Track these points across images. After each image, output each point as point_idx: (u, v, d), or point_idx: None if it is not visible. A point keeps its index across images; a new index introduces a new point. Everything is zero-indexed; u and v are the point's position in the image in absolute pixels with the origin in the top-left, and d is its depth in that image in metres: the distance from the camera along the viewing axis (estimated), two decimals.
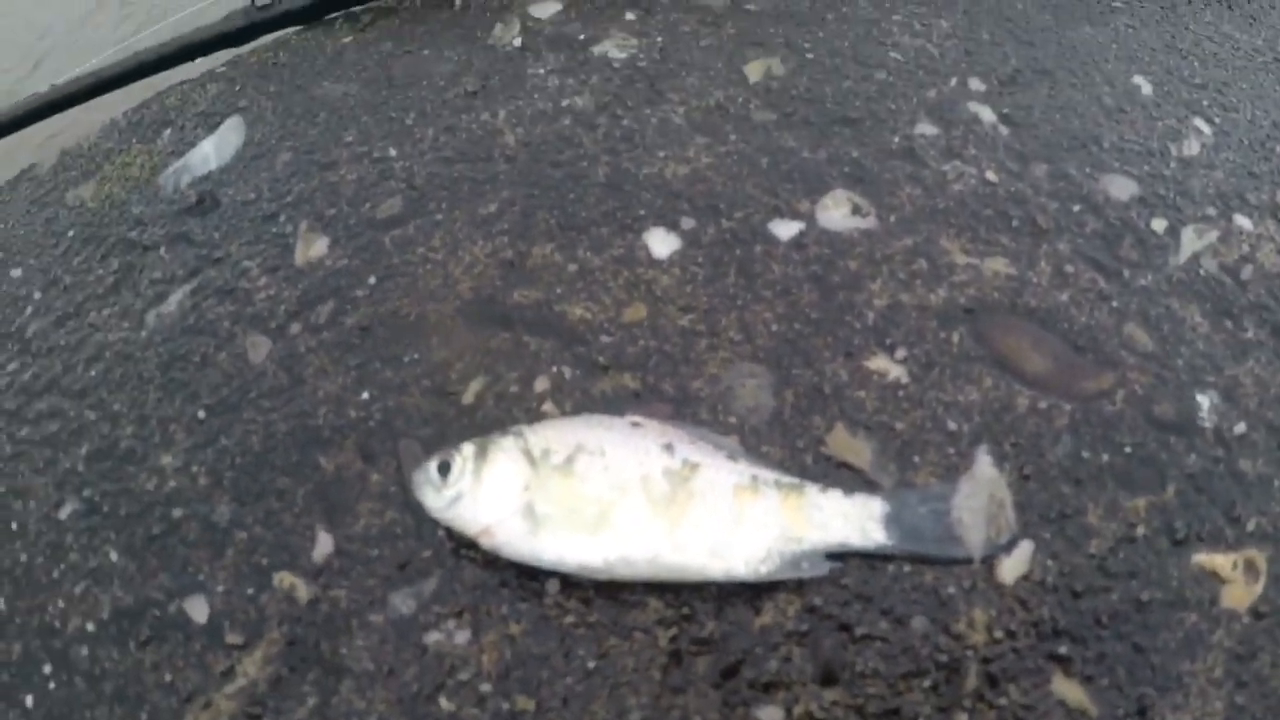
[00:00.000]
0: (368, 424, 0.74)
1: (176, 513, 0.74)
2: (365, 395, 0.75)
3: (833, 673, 0.62)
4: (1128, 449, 0.69)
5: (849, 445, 0.69)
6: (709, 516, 0.64)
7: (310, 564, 0.69)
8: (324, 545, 0.70)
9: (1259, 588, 0.67)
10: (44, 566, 0.76)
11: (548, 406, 0.72)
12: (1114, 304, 0.74)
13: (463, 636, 0.65)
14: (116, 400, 0.81)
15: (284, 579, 0.70)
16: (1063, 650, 0.64)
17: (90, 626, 0.73)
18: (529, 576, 0.66)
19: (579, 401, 0.72)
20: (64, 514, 0.78)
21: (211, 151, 0.97)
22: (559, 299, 0.77)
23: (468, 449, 0.67)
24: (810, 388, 0.70)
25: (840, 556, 0.64)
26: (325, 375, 0.77)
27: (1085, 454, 0.69)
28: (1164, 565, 0.66)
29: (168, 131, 1.02)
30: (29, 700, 0.72)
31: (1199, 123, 0.87)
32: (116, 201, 0.98)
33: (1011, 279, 0.75)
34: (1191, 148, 0.85)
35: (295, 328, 0.79)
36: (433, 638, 0.66)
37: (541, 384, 0.73)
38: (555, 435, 0.67)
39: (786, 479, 0.66)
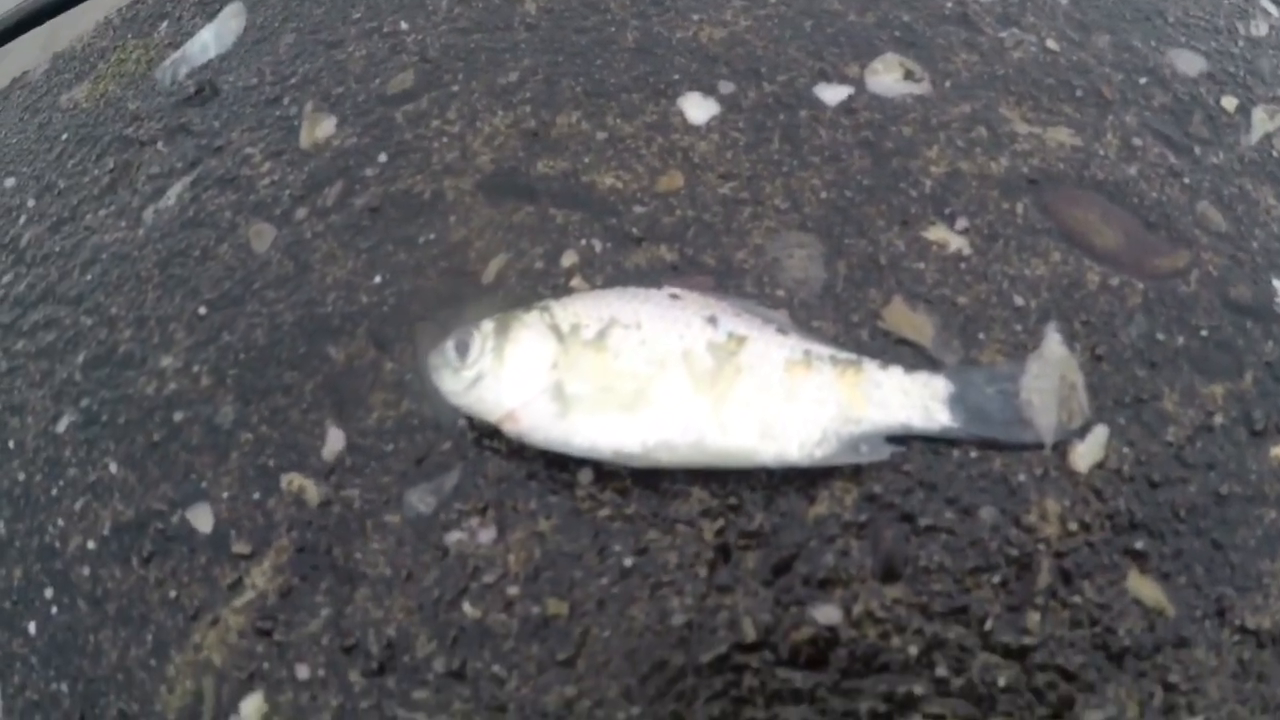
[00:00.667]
0: (380, 309, 0.63)
1: (178, 416, 0.64)
2: (377, 279, 0.65)
3: (894, 568, 0.53)
4: (1204, 332, 0.59)
5: (909, 320, 0.60)
6: (758, 394, 0.54)
7: (320, 463, 0.60)
8: (334, 442, 0.60)
9: None
10: (42, 484, 0.67)
11: (576, 282, 0.61)
12: (1186, 180, 0.64)
13: (487, 535, 0.56)
14: (114, 303, 0.71)
15: (292, 481, 0.60)
16: (1139, 545, 0.55)
17: (91, 544, 0.64)
18: (559, 467, 0.56)
19: (610, 276, 0.61)
20: (61, 427, 0.68)
21: (211, 40, 0.86)
22: (587, 169, 0.65)
23: (488, 326, 0.57)
24: (864, 258, 0.60)
25: (901, 440, 0.55)
26: (334, 260, 0.66)
27: (1160, 336, 0.60)
28: (1242, 457, 0.57)
29: (164, 24, 0.91)
30: (31, 627, 0.65)
31: (1267, 3, 0.79)
32: (112, 100, 0.87)
33: (1077, 150, 0.64)
34: (1260, 28, 0.75)
35: (301, 213, 0.69)
36: (454, 538, 0.56)
37: (569, 258, 0.63)
38: (585, 309, 0.57)
39: (842, 354, 0.56)
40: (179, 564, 0.61)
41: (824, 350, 0.57)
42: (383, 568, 0.56)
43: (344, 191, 0.70)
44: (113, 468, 0.65)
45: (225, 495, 0.62)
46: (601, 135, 0.67)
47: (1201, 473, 0.57)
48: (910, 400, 0.56)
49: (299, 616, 0.58)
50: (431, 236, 0.66)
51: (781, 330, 0.57)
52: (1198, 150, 0.67)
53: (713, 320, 0.56)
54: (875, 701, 0.53)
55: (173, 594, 0.61)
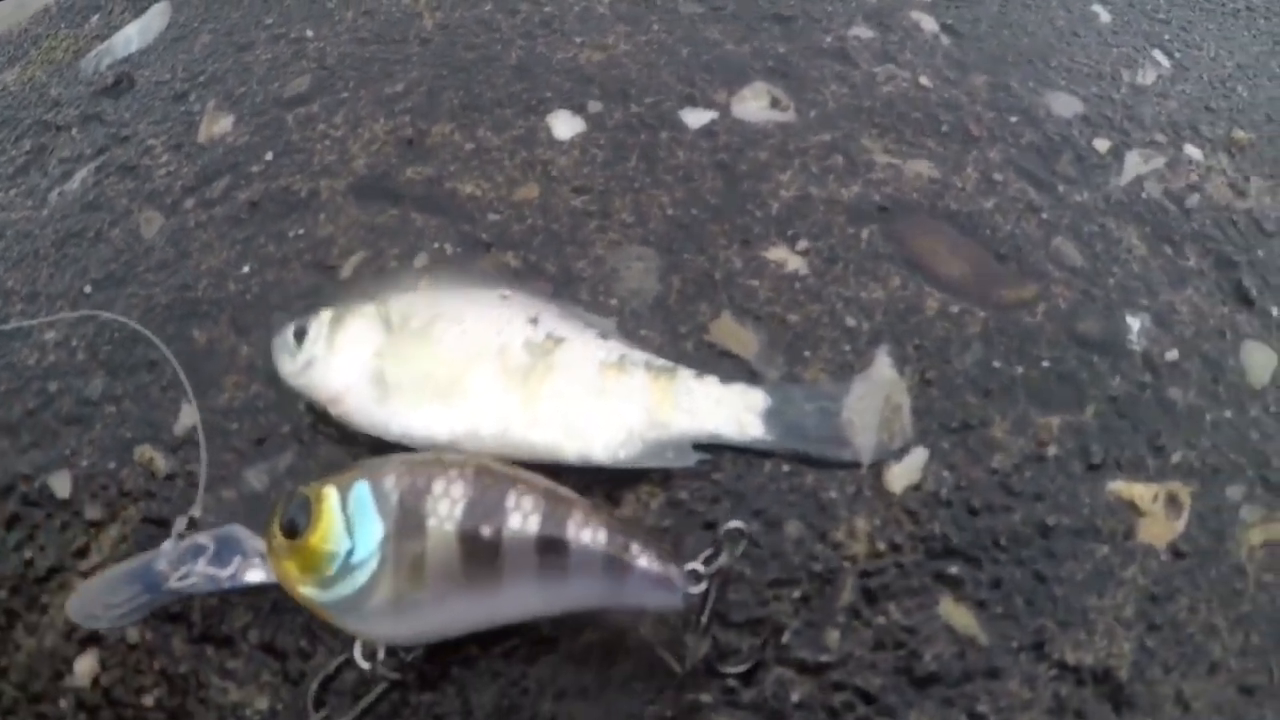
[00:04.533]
0: (244, 297, 0.68)
1: (52, 387, 0.68)
2: (246, 269, 0.69)
3: (695, 574, 0.56)
4: (1045, 363, 0.61)
5: (734, 334, 0.61)
6: (567, 391, 0.57)
7: (171, 437, 0.64)
8: (186, 418, 0.64)
9: (1180, 524, 0.59)
10: None
11: (424, 282, 0.65)
12: (1044, 215, 0.66)
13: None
14: (11, 277, 0.76)
15: (144, 452, 0.63)
16: (953, 570, 0.55)
17: None
18: (382, 452, 0.58)
19: (457, 279, 0.65)
20: None
21: (135, 34, 0.93)
22: (451, 176, 0.69)
23: (326, 314, 0.61)
24: (700, 274, 0.62)
25: (714, 449, 0.57)
26: (210, 250, 0.71)
27: (997, 364, 0.61)
28: (1075, 490, 0.57)
29: (95, 16, 0.98)
30: None
31: (1157, 54, 0.79)
32: (37, 85, 0.93)
33: (934, 181, 0.67)
34: (1147, 76, 0.78)
35: (189, 203, 0.74)
36: None
37: (421, 259, 0.66)
38: (419, 304, 0.60)
39: (659, 361, 0.58)
40: (36, 526, 0.64)
41: (641, 356, 0.58)
42: (195, 509, 0.59)
43: (230, 185, 0.75)
44: None
45: (84, 463, 0.65)
46: (470, 146, 0.71)
47: (1028, 502, 0.57)
48: (722, 410, 0.57)
49: None
50: (301, 232, 0.70)
51: (603, 335, 0.59)
52: (1061, 188, 0.68)
53: (535, 320, 0.59)
54: (663, 706, 0.52)
55: (28, 555, 0.64)
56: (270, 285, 0.68)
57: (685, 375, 0.58)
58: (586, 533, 0.50)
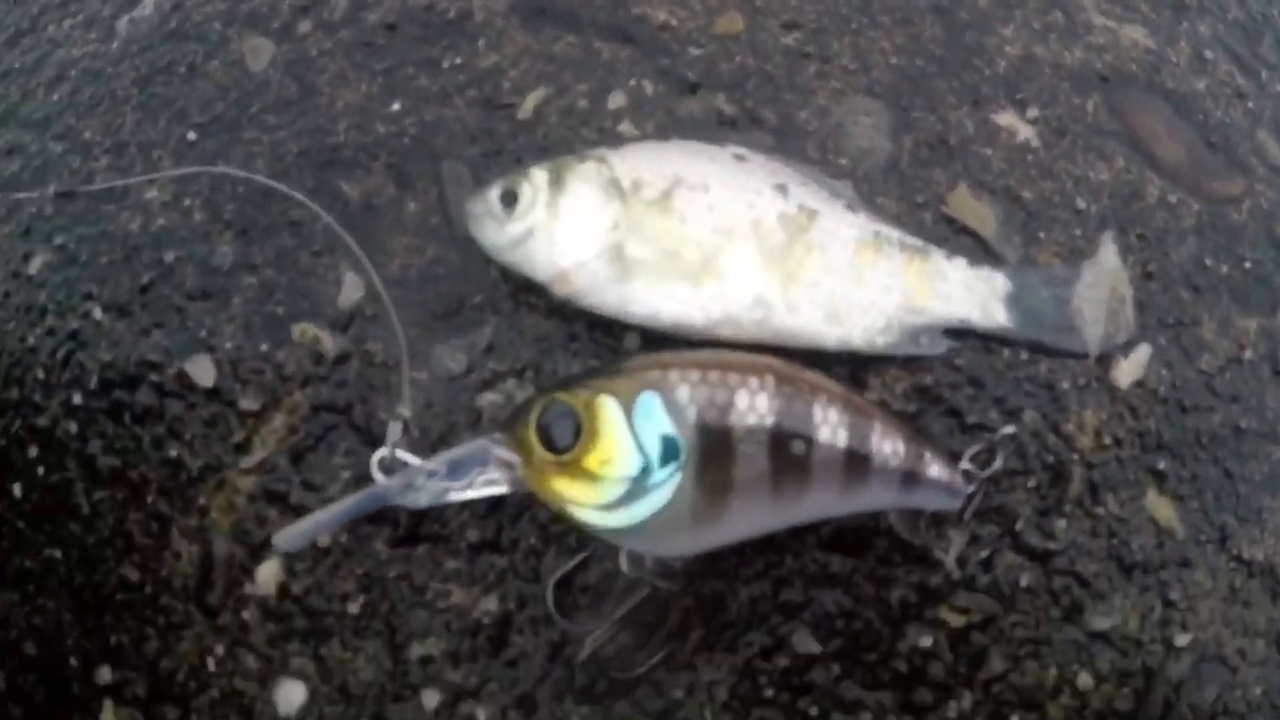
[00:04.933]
0: (400, 141, 0.57)
1: (169, 256, 0.57)
2: (396, 106, 0.58)
3: (968, 474, 0.52)
4: (1247, 264, 0.61)
5: (973, 209, 0.58)
6: (828, 275, 0.52)
7: (336, 312, 0.55)
8: (352, 289, 0.55)
9: None
10: (16, 332, 0.59)
11: (624, 127, 0.57)
12: (1250, 104, 0.64)
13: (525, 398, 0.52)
14: (87, 127, 0.62)
15: (305, 331, 0.55)
16: (1162, 465, 0.57)
17: (77, 398, 0.57)
18: (603, 329, 0.53)
19: (662, 123, 0.57)
20: (34, 268, 0.60)
21: None
22: (639, 0, 0.60)
23: (540, 176, 0.52)
24: (933, 135, 0.57)
25: (957, 334, 0.54)
26: (344, 83, 0.59)
27: (1208, 261, 0.60)
28: (1264, 393, 0.59)
29: None
30: (17, 489, 0.59)
31: None
32: None
33: (1149, 52, 0.63)
34: None
35: (304, 26, 0.61)
36: (488, 400, 0.53)
37: (616, 99, 0.58)
38: (648, 164, 0.52)
39: (910, 239, 0.54)
40: (178, 421, 0.56)
41: (892, 233, 0.54)
42: (404, 409, 0.52)
43: (354, 4, 0.61)
44: (97, 314, 0.58)
45: (228, 345, 0.56)
46: None
47: (1226, 403, 0.59)
48: (972, 295, 0.54)
49: (317, 479, 0.54)
50: (458, 61, 0.59)
51: (850, 206, 0.54)
52: (1264, 74, 0.66)
53: (782, 189, 0.53)
54: (906, 590, 0.52)
55: (173, 453, 0.56)
56: (431, 126, 0.58)
57: (938, 257, 0.54)
58: (888, 445, 0.49)
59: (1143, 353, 0.57)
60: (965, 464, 0.51)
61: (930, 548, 0.52)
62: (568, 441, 0.46)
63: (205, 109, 0.60)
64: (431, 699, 0.53)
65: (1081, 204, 0.59)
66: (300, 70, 0.60)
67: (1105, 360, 0.56)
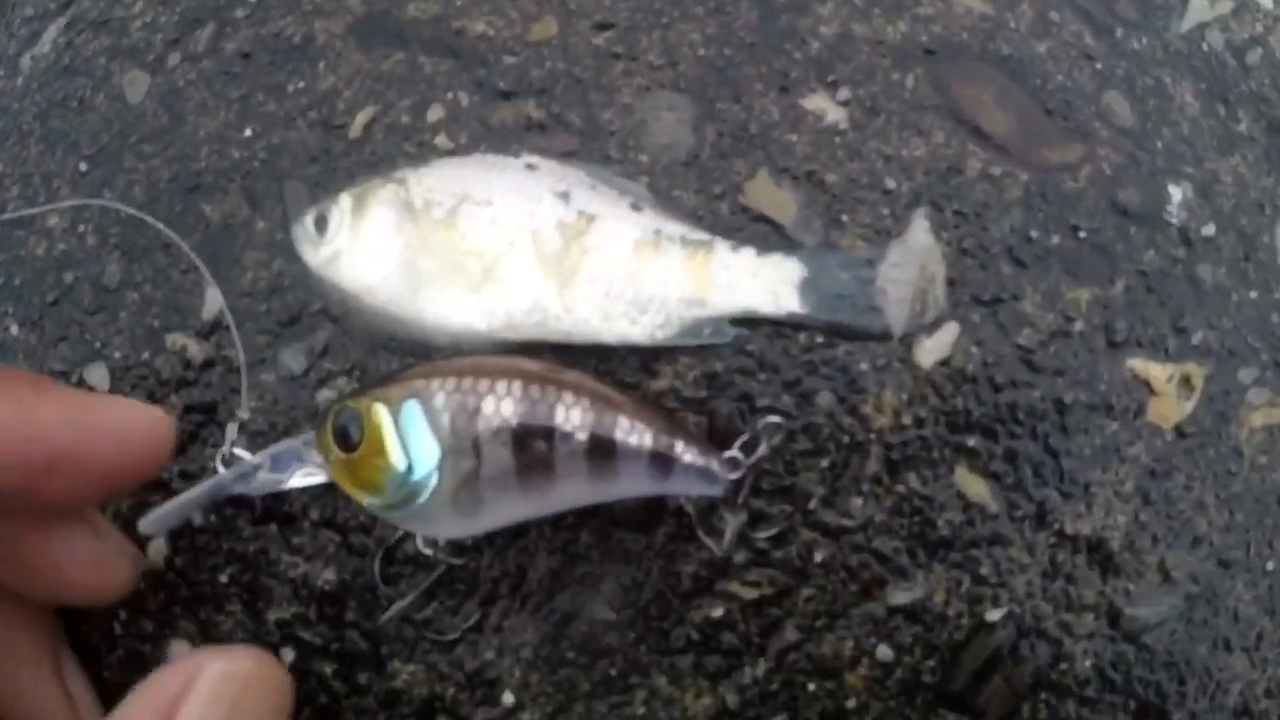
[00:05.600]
0: (252, 164, 0.63)
1: (68, 277, 0.65)
2: (248, 132, 0.64)
3: (726, 442, 0.55)
4: (1082, 233, 0.59)
5: (771, 196, 0.59)
6: (602, 275, 0.55)
7: (200, 323, 0.62)
8: (213, 302, 0.62)
9: (1190, 405, 0.60)
10: None
11: (441, 139, 0.61)
12: (1098, 65, 0.62)
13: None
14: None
15: (176, 341, 0.62)
16: (971, 443, 0.57)
17: None
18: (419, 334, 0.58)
19: (475, 133, 0.60)
20: None
21: None
22: (459, 13, 0.63)
23: (345, 201, 0.58)
24: (736, 125, 0.59)
25: (750, 323, 0.56)
26: (206, 111, 0.65)
27: (1034, 233, 0.60)
28: (1095, 366, 0.58)
29: None
30: None
31: None
32: None
33: (985, 19, 0.61)
34: None
35: (174, 59, 0.67)
36: (324, 396, 0.59)
37: (435, 112, 0.61)
38: (441, 183, 0.57)
39: (695, 234, 0.56)
40: None
41: (676, 230, 0.56)
42: (260, 424, 0.59)
43: (215, 34, 0.67)
44: (14, 329, 0.67)
45: (117, 355, 0.63)
46: None
47: (1048, 378, 0.58)
48: (759, 284, 0.56)
49: (191, 469, 0.61)
50: (301, 85, 0.64)
51: (636, 206, 0.57)
52: (1119, 31, 0.64)
53: (565, 195, 0.56)
54: (696, 565, 0.55)
55: None
56: (277, 149, 0.63)
57: (721, 249, 0.56)
58: (634, 436, 0.52)
59: (949, 331, 0.57)
60: (734, 452, 0.54)
61: (702, 536, 0.55)
62: (355, 442, 0.52)
63: (93, 140, 0.67)
64: (288, 655, 0.60)
65: (891, 183, 0.59)
66: (170, 101, 0.66)
67: (908, 340, 0.57)
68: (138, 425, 0.52)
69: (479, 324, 0.56)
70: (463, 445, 0.51)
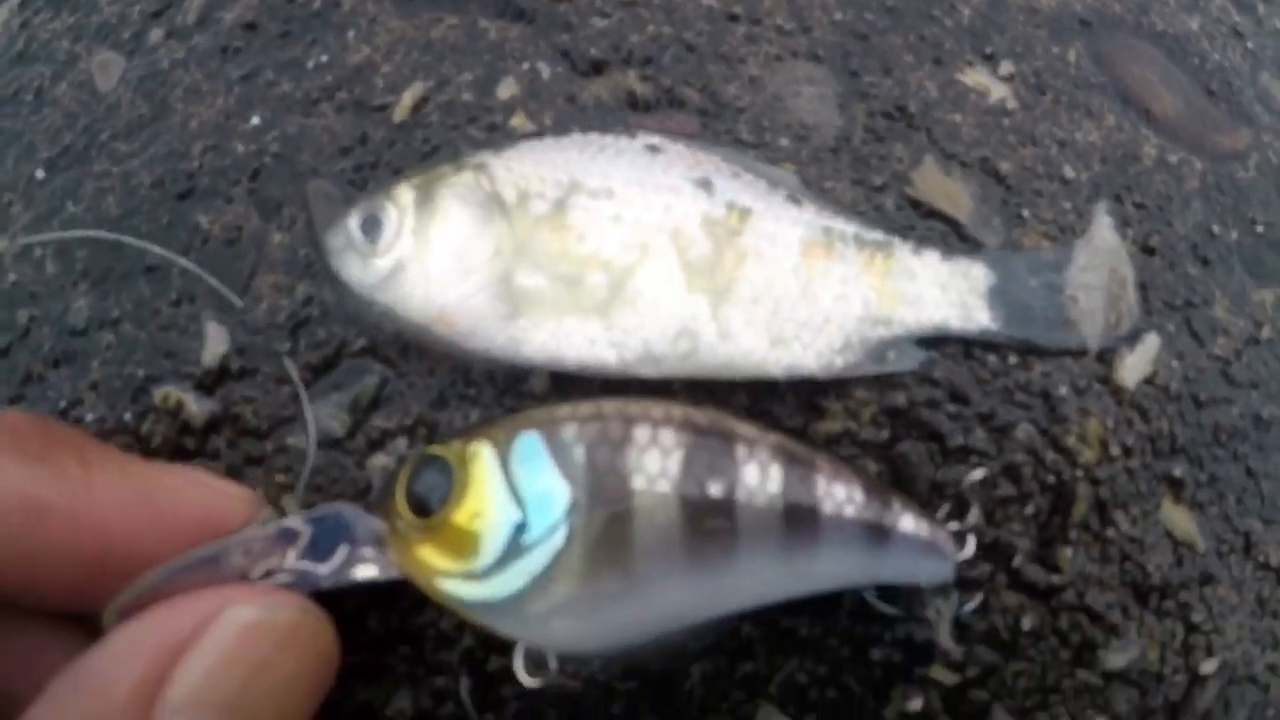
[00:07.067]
0: (261, 161, 0.48)
1: (22, 316, 0.49)
2: (255, 120, 0.49)
3: (919, 496, 0.44)
4: (1259, 227, 0.52)
5: (943, 188, 0.48)
6: (768, 288, 0.43)
7: (200, 370, 0.46)
8: (216, 342, 0.46)
9: None
10: None
11: (518, 120, 0.47)
12: (1249, 44, 0.56)
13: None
14: None
15: (167, 396, 0.46)
16: (1177, 471, 0.49)
17: None
18: (507, 373, 0.44)
19: (563, 112, 0.48)
20: None
21: None
22: None
23: (405, 195, 0.42)
24: (889, 103, 0.48)
25: (932, 343, 0.45)
26: (199, 97, 0.50)
27: (1215, 227, 0.52)
28: None
29: None
30: None
31: None
32: None
33: None
34: None
35: (155, 35, 0.52)
36: (378, 463, 0.44)
37: (507, 88, 0.48)
38: (537, 168, 0.43)
39: (870, 233, 0.45)
40: None
41: (847, 227, 0.44)
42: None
43: (208, 4, 0.52)
44: None
45: (90, 417, 0.47)
46: None
47: (1246, 391, 0.50)
48: (947, 295, 0.45)
49: None
50: (324, 59, 0.50)
51: (793, 198, 0.44)
52: (1261, 9, 0.57)
53: (706, 184, 0.43)
54: (887, 650, 0.44)
55: None
56: (295, 140, 0.48)
57: (904, 252, 0.45)
58: (839, 490, 0.39)
59: (1150, 344, 0.48)
60: (940, 515, 0.42)
61: (915, 618, 0.44)
62: (439, 499, 0.37)
63: (53, 141, 0.51)
64: None
65: (1070, 172, 0.49)
66: (151, 86, 0.50)
67: (1108, 356, 0.48)
68: (213, 508, 0.36)
69: (607, 358, 0.41)
70: (606, 487, 0.36)
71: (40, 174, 0.51)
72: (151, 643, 0.34)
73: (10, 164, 0.52)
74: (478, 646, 0.43)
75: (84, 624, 0.38)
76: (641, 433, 0.37)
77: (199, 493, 0.38)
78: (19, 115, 0.53)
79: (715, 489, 0.37)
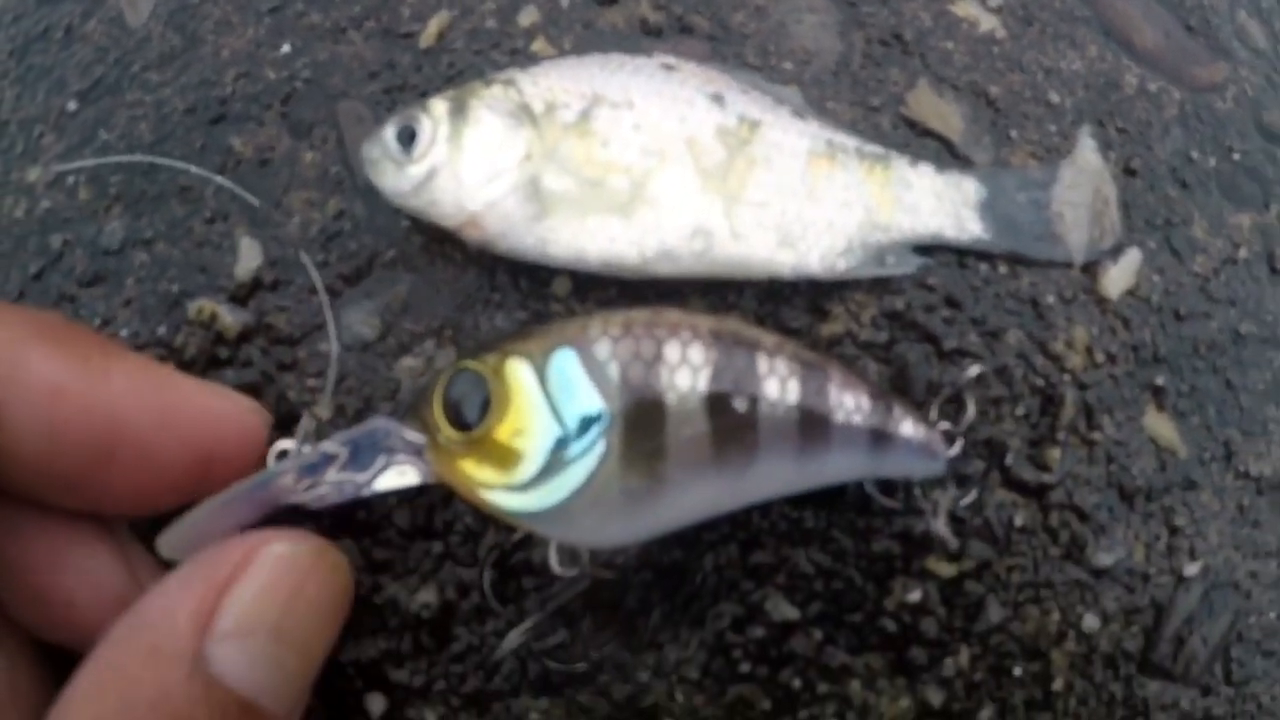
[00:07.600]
0: (293, 85, 0.50)
1: (55, 240, 0.50)
2: (285, 48, 0.51)
3: (914, 396, 0.46)
4: (1236, 155, 0.55)
5: (935, 108, 0.51)
6: (777, 193, 0.45)
7: (234, 284, 0.48)
8: (249, 257, 0.48)
9: None
10: None
11: (538, 45, 0.50)
12: None
13: (446, 361, 0.46)
14: None
15: (202, 309, 0.47)
16: (1160, 380, 0.51)
17: None
18: (529, 275, 0.46)
19: (580, 38, 0.50)
20: None
21: None
22: None
23: (439, 106, 0.45)
24: (886, 30, 0.51)
25: (927, 250, 0.48)
26: (229, 28, 0.52)
27: (1194, 153, 0.55)
28: (1261, 295, 0.54)
29: None
30: None
31: None
32: None
33: None
34: None
35: None
36: (406, 365, 0.46)
37: (529, 15, 0.50)
38: (562, 82, 0.45)
39: (870, 147, 0.47)
40: None
41: (848, 141, 0.47)
42: (320, 409, 0.44)
43: None
44: None
45: (125, 333, 0.48)
46: None
47: (1224, 308, 0.53)
48: (942, 205, 0.47)
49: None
50: None
51: (798, 113, 0.46)
52: None
53: (719, 99, 0.45)
54: (889, 542, 0.46)
55: None
56: (325, 66, 0.50)
57: (901, 164, 0.47)
58: (849, 399, 0.41)
59: (1132, 258, 0.51)
60: (933, 415, 0.45)
61: (914, 511, 0.46)
62: (476, 414, 0.39)
63: (84, 74, 0.52)
64: (377, 704, 0.46)
65: (1055, 97, 0.52)
66: (182, 20, 0.52)
67: (1092, 269, 0.50)
68: (223, 414, 0.38)
69: (628, 255, 0.44)
70: (641, 404, 0.38)
71: (72, 105, 0.52)
72: (200, 581, 0.37)
73: (41, 97, 0.53)
74: (501, 541, 0.45)
75: (102, 526, 0.40)
76: (671, 350, 0.39)
77: (212, 398, 0.40)
78: (48, 51, 0.55)
79: (740, 403, 0.39)
